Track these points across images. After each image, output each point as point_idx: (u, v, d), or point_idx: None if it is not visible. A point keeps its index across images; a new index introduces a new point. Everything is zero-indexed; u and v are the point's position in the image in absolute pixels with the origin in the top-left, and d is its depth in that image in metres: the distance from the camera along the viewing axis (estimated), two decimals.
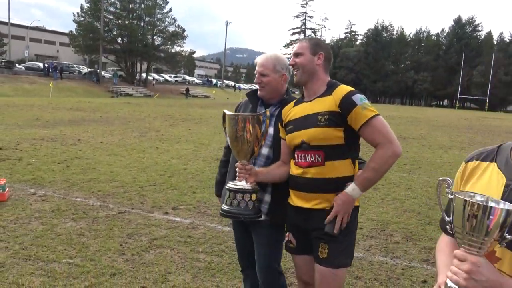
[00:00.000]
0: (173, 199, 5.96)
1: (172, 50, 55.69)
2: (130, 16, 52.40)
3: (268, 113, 2.27)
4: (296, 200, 2.24)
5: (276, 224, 2.38)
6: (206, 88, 65.59)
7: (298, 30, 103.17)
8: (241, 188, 2.22)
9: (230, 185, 2.27)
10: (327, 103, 2.15)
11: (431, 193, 7.29)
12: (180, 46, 55.97)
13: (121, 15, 52.06)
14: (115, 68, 55.07)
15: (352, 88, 2.16)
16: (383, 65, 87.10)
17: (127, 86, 48.31)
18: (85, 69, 51.84)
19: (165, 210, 5.46)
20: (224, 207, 2.28)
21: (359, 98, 2.10)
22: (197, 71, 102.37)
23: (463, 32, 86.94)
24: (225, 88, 75.28)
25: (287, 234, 2.35)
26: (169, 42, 54.28)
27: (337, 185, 2.12)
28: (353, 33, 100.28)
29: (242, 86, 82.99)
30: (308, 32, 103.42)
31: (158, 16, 53.73)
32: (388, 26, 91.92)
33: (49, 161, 8.06)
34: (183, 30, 54.21)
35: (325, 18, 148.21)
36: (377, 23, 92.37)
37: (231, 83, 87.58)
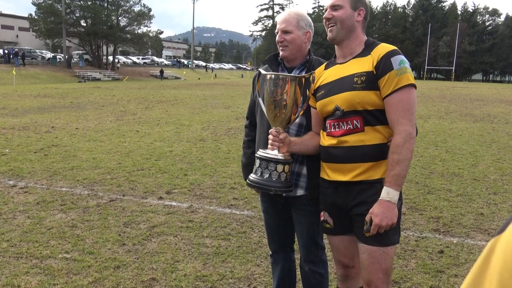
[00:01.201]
0: (165, 183, 5.66)
1: (139, 31, 54.00)
2: None
3: (314, 76, 2.02)
4: (331, 173, 2.01)
5: (316, 199, 2.16)
6: (176, 69, 64.20)
7: (266, 6, 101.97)
8: (274, 158, 1.97)
9: (261, 153, 2.02)
10: (365, 63, 1.92)
11: (423, 162, 7.26)
12: (147, 26, 54.40)
13: None
14: (80, 51, 52.92)
15: (393, 47, 1.92)
16: None
17: (94, 70, 46.57)
18: (49, 54, 49.56)
19: (159, 195, 5.18)
20: (253, 177, 2.02)
21: (398, 60, 1.86)
22: (165, 52, 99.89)
23: (428, 3, 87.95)
24: (195, 68, 73.91)
25: (321, 213, 2.13)
26: (135, 23, 52.48)
27: (380, 151, 1.89)
28: (321, 8, 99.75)
29: (213, 66, 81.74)
30: (276, 8, 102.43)
31: None
32: None
33: (24, 150, 7.56)
34: (149, 10, 52.47)
35: None
36: None
37: (201, 63, 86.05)
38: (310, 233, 2.29)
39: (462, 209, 4.86)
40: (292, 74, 2.04)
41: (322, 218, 2.13)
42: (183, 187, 5.50)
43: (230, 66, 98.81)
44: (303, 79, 1.96)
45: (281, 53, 2.25)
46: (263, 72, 2.04)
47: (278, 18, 2.27)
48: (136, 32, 53.71)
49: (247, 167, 2.53)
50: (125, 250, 3.62)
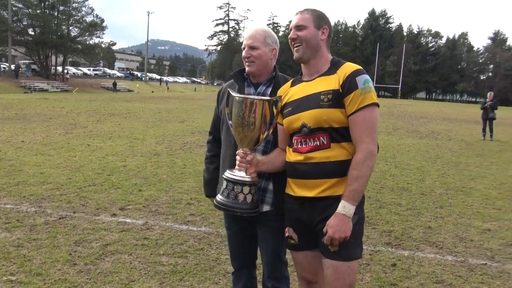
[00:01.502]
0: (119, 199, 5.49)
1: (91, 42, 52.57)
2: (42, 4, 48.21)
3: (281, 97, 2.05)
4: (297, 189, 2.04)
5: (282, 215, 2.17)
6: (129, 81, 62.93)
7: (222, 21, 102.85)
8: (240, 180, 1.98)
9: (228, 174, 2.02)
10: (331, 82, 1.97)
11: (374, 177, 7.51)
12: (99, 37, 52.99)
13: (31, 3, 47.62)
14: (27, 61, 50.57)
15: (359, 67, 1.99)
16: None
17: (41, 81, 44.61)
18: None
19: (112, 211, 5.01)
20: (220, 198, 2.03)
21: (363, 80, 1.94)
22: (117, 64, 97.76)
23: (377, 24, 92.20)
24: (149, 81, 72.79)
25: (286, 229, 2.15)
26: (87, 33, 51.04)
27: (345, 167, 1.93)
28: (276, 25, 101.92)
29: (167, 79, 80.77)
30: (232, 24, 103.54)
31: (74, 5, 50.26)
32: None
33: None
34: (102, 21, 51.30)
35: (248, 9, 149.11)
36: None
37: (155, 76, 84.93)
38: (275, 250, 2.30)
39: (411, 222, 5.06)
40: (260, 97, 2.06)
41: (287, 234, 2.14)
42: (137, 203, 5.36)
43: (184, 79, 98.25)
44: (271, 102, 1.99)
45: (247, 68, 2.27)
46: (232, 93, 2.04)
47: (245, 34, 2.29)
48: (87, 42, 52.27)
49: (209, 183, 2.51)
50: (77, 270, 3.46)
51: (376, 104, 1.94)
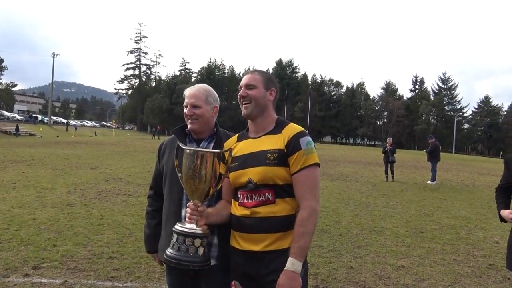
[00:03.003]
0: (30, 257, 5.01)
1: None
2: None
3: (232, 151, 2.12)
4: (243, 243, 2.09)
5: (227, 268, 2.19)
6: (31, 125, 58.62)
7: (133, 65, 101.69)
8: (192, 232, 1.98)
9: (178, 227, 2.01)
10: (277, 141, 2.10)
11: None
12: None
13: None
14: None
15: (301, 128, 2.15)
16: None
17: None
18: None
19: (24, 271, 4.55)
20: (171, 252, 1.99)
21: (305, 141, 2.08)
22: (17, 106, 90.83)
23: (284, 73, 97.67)
24: (53, 125, 68.41)
25: (232, 283, 2.17)
26: None
27: (289, 222, 2.03)
28: (188, 71, 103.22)
29: (74, 123, 76.56)
30: (143, 68, 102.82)
31: None
32: (220, 65, 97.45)
33: None
34: (1, 61, 47.83)
35: (160, 54, 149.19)
36: (210, 62, 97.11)
37: (60, 119, 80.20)
38: None
39: (335, 264, 5.30)
40: (211, 150, 2.13)
41: None
42: (53, 260, 4.94)
43: (93, 123, 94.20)
44: (221, 155, 2.06)
45: (189, 126, 2.34)
46: (183, 146, 2.08)
47: (187, 92, 2.39)
48: None
49: (151, 239, 2.48)
50: None
51: (318, 164, 2.10)
